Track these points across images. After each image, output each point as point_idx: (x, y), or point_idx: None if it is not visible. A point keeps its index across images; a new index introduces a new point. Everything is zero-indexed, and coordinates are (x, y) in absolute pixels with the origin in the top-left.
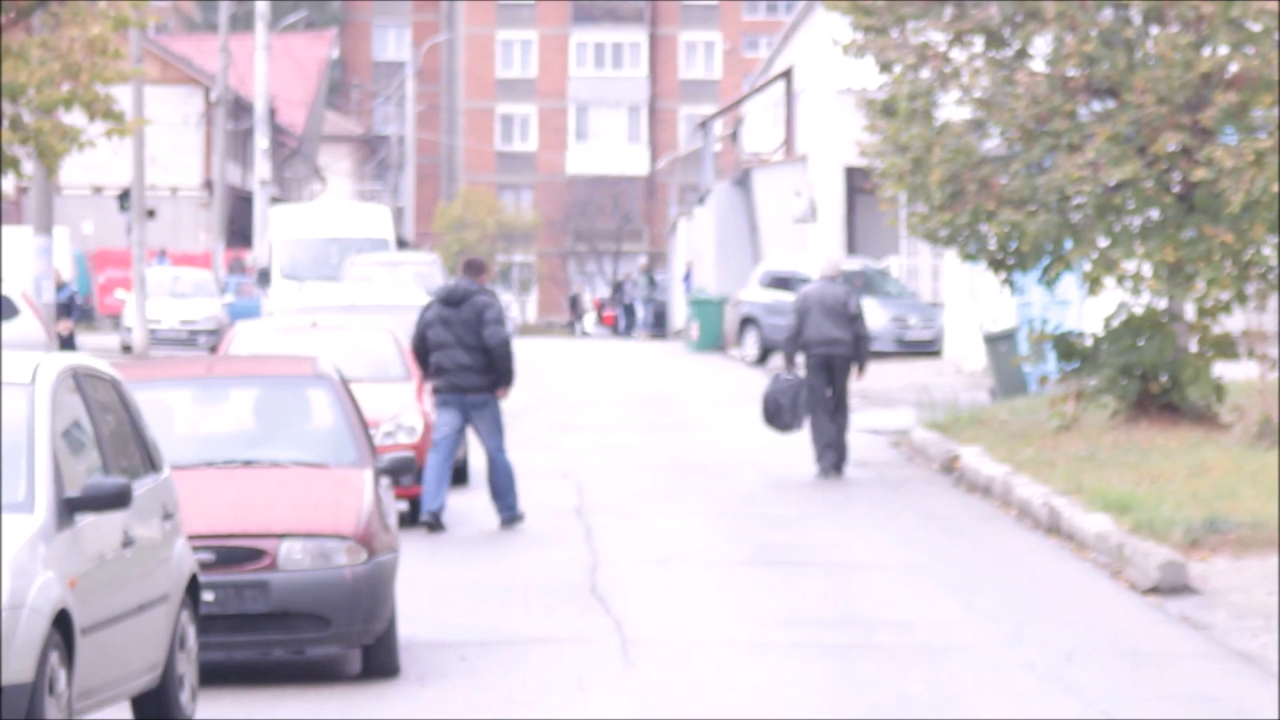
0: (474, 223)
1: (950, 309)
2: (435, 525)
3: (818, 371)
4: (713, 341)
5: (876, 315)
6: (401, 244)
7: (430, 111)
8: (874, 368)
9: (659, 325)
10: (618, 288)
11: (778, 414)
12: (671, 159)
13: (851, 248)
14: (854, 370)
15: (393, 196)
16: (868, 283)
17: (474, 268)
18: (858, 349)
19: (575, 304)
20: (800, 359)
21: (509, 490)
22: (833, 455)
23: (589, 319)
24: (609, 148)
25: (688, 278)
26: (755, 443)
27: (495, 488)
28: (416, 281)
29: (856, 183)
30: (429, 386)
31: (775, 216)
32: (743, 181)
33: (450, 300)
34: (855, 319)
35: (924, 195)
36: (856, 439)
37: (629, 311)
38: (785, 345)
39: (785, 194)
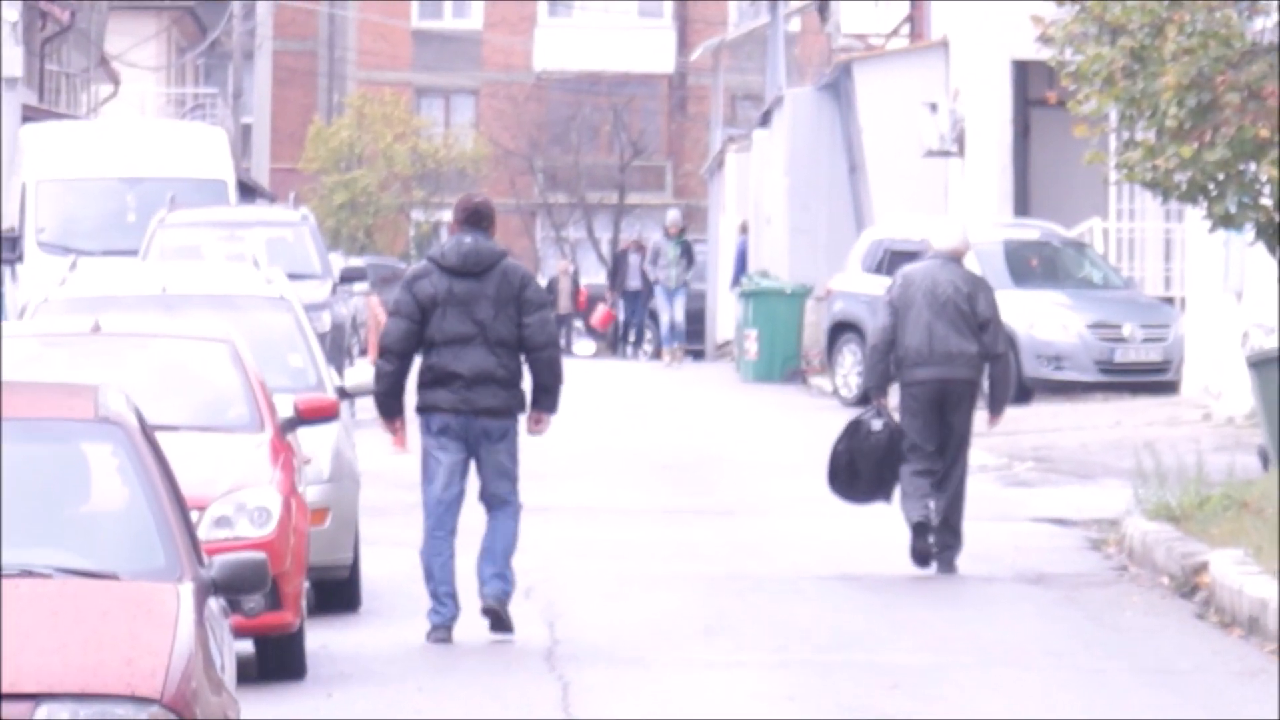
0: (373, 154)
1: (1193, 310)
2: (447, 638)
3: (921, 408)
4: (783, 362)
5: (1065, 320)
6: (248, 190)
7: None
8: (1066, 408)
9: (689, 333)
10: (618, 264)
11: (852, 482)
12: (715, 46)
13: (1023, 202)
14: (983, 408)
15: (233, 109)
16: (1049, 264)
17: (484, 216)
18: (993, 374)
19: (552, 289)
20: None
21: (507, 554)
22: (940, 539)
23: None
24: (607, 27)
25: (741, 253)
26: (851, 538)
27: (493, 552)
28: (273, 255)
29: (1034, 90)
30: (411, 408)
31: (893, 146)
32: (836, 85)
33: (469, 268)
34: (987, 324)
35: (1150, 112)
36: (1031, 532)
37: (634, 305)
38: (870, 362)
39: (910, 107)
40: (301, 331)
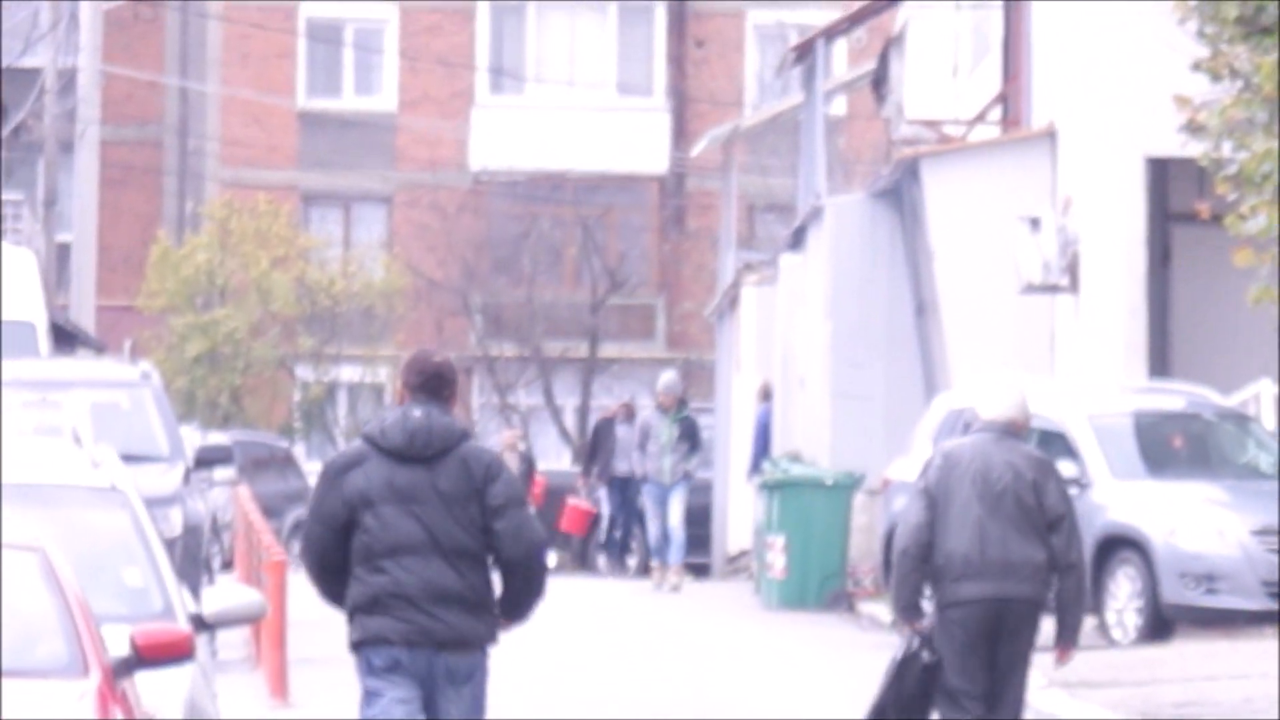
0: (243, 286)
1: None
2: None
3: (968, 638)
4: (822, 582)
5: (1221, 524)
6: (65, 336)
7: (137, 25)
8: (1222, 647)
9: (690, 540)
10: (600, 439)
11: None
12: (726, 136)
13: (1161, 358)
14: (1045, 635)
15: (44, 223)
16: (1198, 444)
17: (446, 383)
18: (1063, 590)
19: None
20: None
21: None
22: None
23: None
24: (573, 108)
25: (762, 427)
26: None
27: None
28: (101, 429)
29: (1177, 200)
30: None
31: (977, 277)
32: (898, 191)
33: (417, 451)
34: (1058, 522)
35: None
36: None
37: (623, 497)
38: (899, 574)
39: (1002, 223)
40: (141, 536)
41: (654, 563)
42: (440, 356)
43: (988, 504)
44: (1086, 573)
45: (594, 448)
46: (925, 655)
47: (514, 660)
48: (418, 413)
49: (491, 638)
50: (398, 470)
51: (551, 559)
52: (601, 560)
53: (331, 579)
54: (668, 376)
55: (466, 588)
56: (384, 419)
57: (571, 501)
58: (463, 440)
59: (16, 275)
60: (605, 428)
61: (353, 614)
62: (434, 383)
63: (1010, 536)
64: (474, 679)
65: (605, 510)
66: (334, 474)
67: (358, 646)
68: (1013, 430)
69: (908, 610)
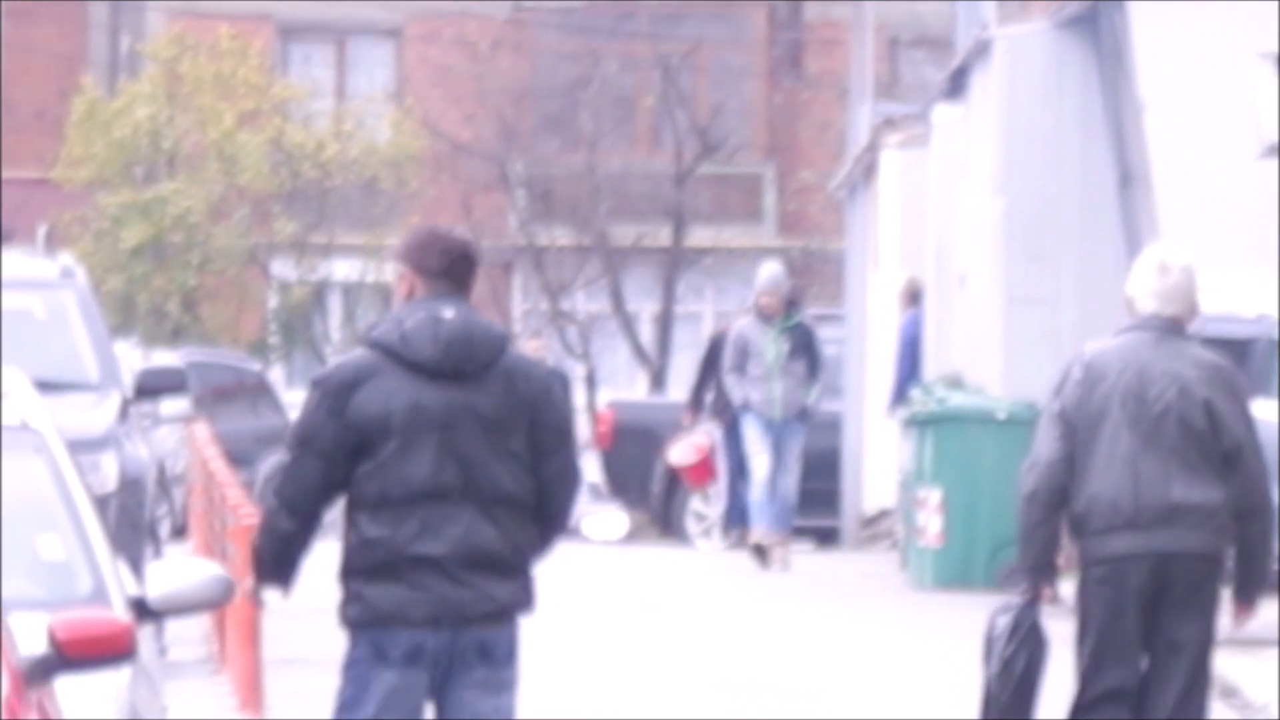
0: (198, 152)
1: None
2: None
3: (1121, 607)
4: (994, 552)
5: None
6: None
7: None
8: None
9: (804, 498)
10: (713, 356)
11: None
12: None
13: None
14: (1227, 596)
15: None
16: None
17: (472, 269)
18: (1246, 537)
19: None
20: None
21: None
22: None
23: (587, 499)
24: None
25: (909, 342)
26: None
27: None
28: (10, 346)
29: None
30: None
31: (1201, 137)
32: (1094, 20)
33: (454, 365)
34: (1236, 451)
35: None
36: None
37: (734, 434)
38: (1026, 524)
39: (1234, 61)
40: (63, 492)
41: (757, 526)
42: (460, 234)
43: (1143, 430)
44: (1276, 515)
45: (706, 371)
46: (1027, 611)
47: (580, 657)
48: (450, 313)
49: (527, 604)
50: (425, 390)
51: (618, 524)
52: (692, 525)
53: (307, 521)
54: (770, 269)
55: (507, 547)
56: (400, 320)
57: (688, 444)
58: (505, 348)
59: None
60: (718, 341)
61: (348, 579)
62: (461, 267)
63: (1174, 473)
64: (511, 658)
65: (723, 466)
66: (335, 390)
67: (362, 627)
68: (1174, 326)
69: (1035, 572)
